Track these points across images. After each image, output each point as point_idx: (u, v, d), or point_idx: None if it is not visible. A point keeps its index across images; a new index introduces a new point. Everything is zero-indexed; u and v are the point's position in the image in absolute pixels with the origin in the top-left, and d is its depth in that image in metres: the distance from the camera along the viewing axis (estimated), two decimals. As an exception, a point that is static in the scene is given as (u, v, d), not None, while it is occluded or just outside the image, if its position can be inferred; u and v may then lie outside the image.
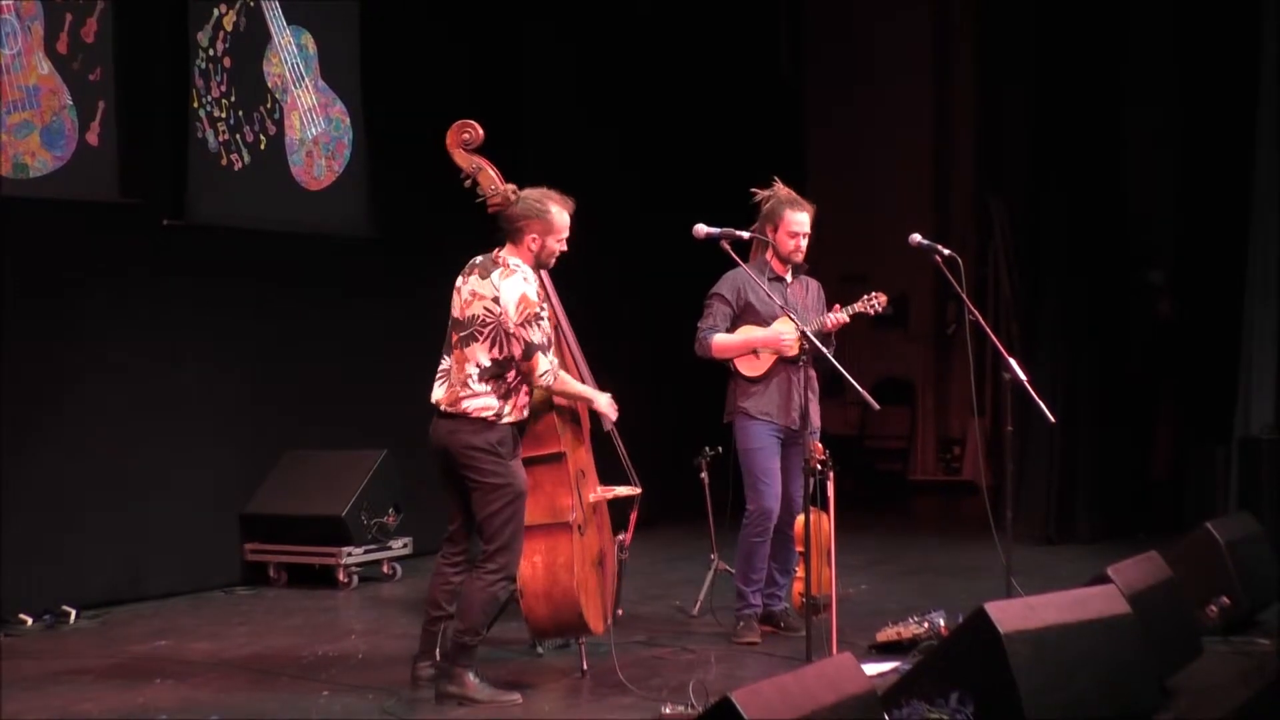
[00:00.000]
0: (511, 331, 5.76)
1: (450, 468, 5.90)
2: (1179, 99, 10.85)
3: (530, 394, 5.94)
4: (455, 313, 5.92)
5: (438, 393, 5.92)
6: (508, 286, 5.78)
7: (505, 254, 5.92)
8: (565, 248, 6.03)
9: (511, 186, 6.20)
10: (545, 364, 5.81)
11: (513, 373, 5.83)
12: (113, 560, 8.27)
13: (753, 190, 7.08)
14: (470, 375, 5.81)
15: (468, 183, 6.34)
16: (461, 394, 5.82)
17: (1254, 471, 9.37)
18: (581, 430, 6.39)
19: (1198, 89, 10.56)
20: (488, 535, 5.85)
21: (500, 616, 6.71)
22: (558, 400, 6.17)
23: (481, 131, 6.34)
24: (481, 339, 5.80)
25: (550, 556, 6.14)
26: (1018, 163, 11.02)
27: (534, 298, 5.79)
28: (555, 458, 6.18)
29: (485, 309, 5.80)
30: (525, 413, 5.93)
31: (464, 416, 5.81)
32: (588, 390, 6.27)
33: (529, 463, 6.09)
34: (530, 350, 5.77)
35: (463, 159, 6.35)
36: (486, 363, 5.80)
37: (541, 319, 5.81)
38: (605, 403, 6.28)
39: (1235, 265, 9.81)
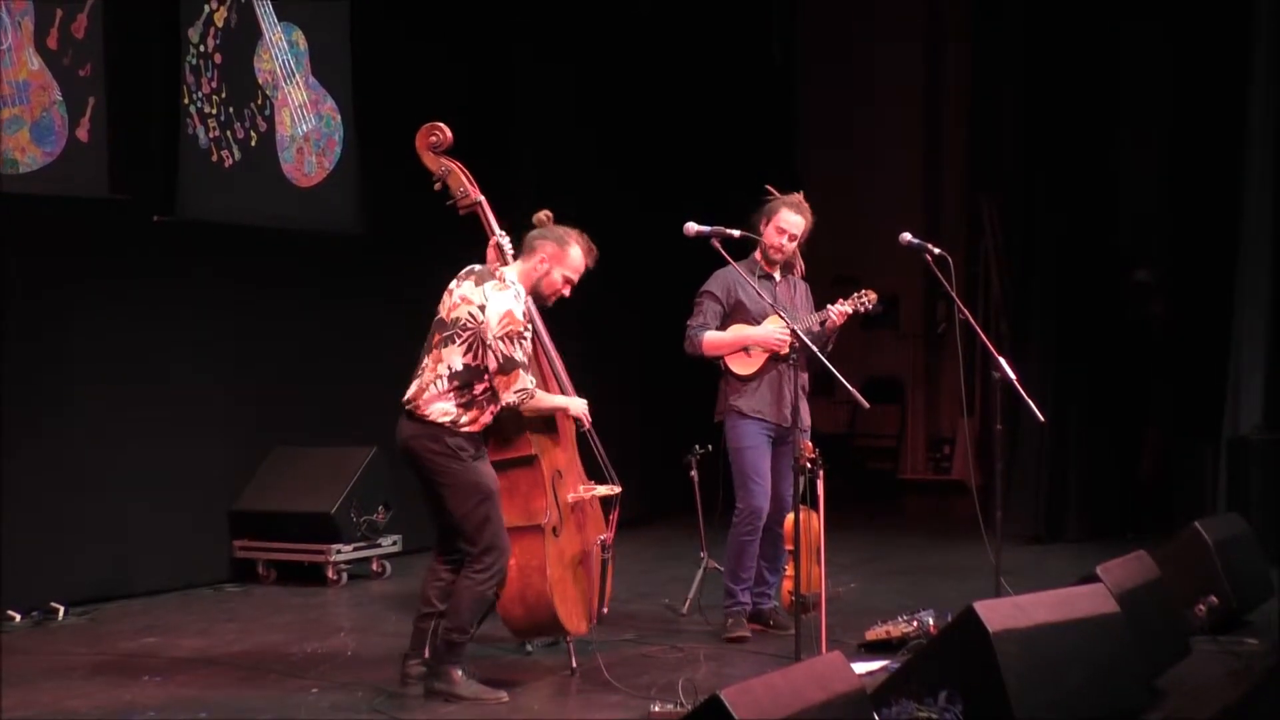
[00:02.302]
0: (489, 343, 5.76)
1: (419, 472, 5.91)
2: (1170, 99, 10.86)
3: (493, 413, 5.91)
4: (442, 313, 5.93)
5: (409, 391, 5.93)
6: (497, 298, 5.79)
7: (507, 269, 5.94)
8: (568, 291, 6.05)
9: (481, 200, 6.22)
10: (523, 382, 5.80)
11: (481, 386, 5.83)
12: (101, 557, 8.26)
13: (768, 187, 7.07)
14: (441, 376, 5.83)
15: (437, 186, 6.32)
16: (427, 395, 5.83)
17: (1242, 471, 9.38)
18: (558, 432, 6.36)
19: (1188, 89, 10.57)
20: (468, 537, 5.86)
21: (488, 616, 6.73)
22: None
23: (450, 134, 6.29)
24: (459, 342, 5.81)
25: (524, 559, 6.14)
26: (1008, 162, 11.04)
27: (520, 316, 5.80)
28: (527, 460, 6.18)
29: (470, 314, 5.80)
30: (481, 428, 5.90)
31: (423, 420, 5.83)
32: (560, 400, 6.23)
33: (501, 465, 6.11)
34: (511, 365, 5.76)
35: (431, 161, 6.31)
36: (459, 366, 5.81)
37: (525, 339, 5.81)
38: (579, 408, 6.26)
39: (1225, 265, 9.82)
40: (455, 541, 5.99)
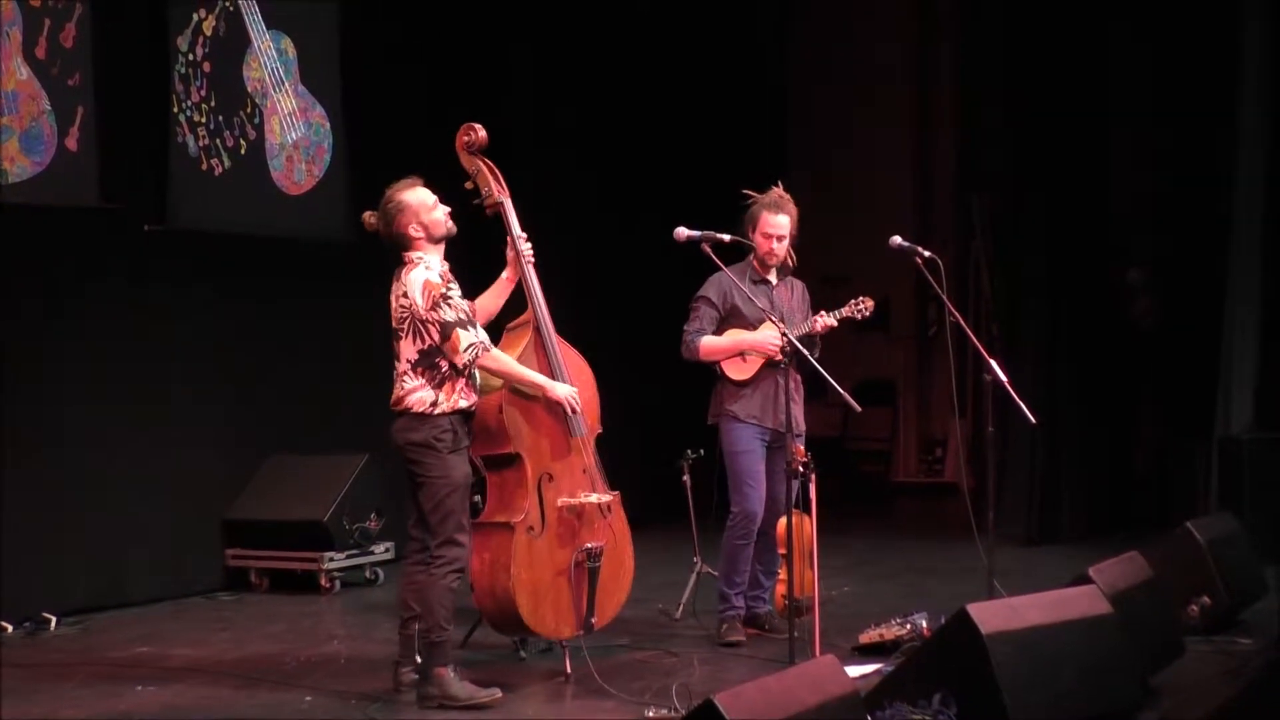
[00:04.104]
0: (424, 318, 5.86)
1: (404, 465, 6.01)
2: (1160, 100, 10.88)
3: (471, 380, 5.99)
4: (391, 321, 6.03)
5: (392, 396, 6.03)
6: (411, 278, 5.91)
7: (409, 254, 6.00)
8: (447, 212, 6.04)
9: (504, 200, 6.31)
10: (467, 339, 5.88)
11: (444, 360, 5.91)
12: (94, 566, 8.25)
13: (745, 192, 7.08)
14: (405, 372, 5.94)
15: (468, 184, 6.42)
16: (401, 391, 5.94)
17: (1234, 471, 9.38)
18: (549, 435, 6.34)
19: (1178, 90, 10.59)
20: (431, 528, 5.95)
21: (480, 624, 6.73)
22: (508, 401, 6.19)
23: (484, 134, 6.39)
24: (405, 334, 5.93)
25: (495, 554, 6.21)
26: (999, 163, 11.04)
27: (437, 280, 5.89)
28: (510, 459, 6.23)
29: (402, 306, 5.93)
30: (465, 400, 5.96)
31: (406, 413, 5.93)
32: (538, 376, 6.25)
33: (490, 462, 6.23)
34: (447, 329, 5.86)
35: (466, 160, 6.44)
36: (414, 356, 5.92)
37: (450, 297, 5.88)
38: (563, 392, 6.28)
39: (1216, 264, 9.83)
40: (420, 539, 6.06)
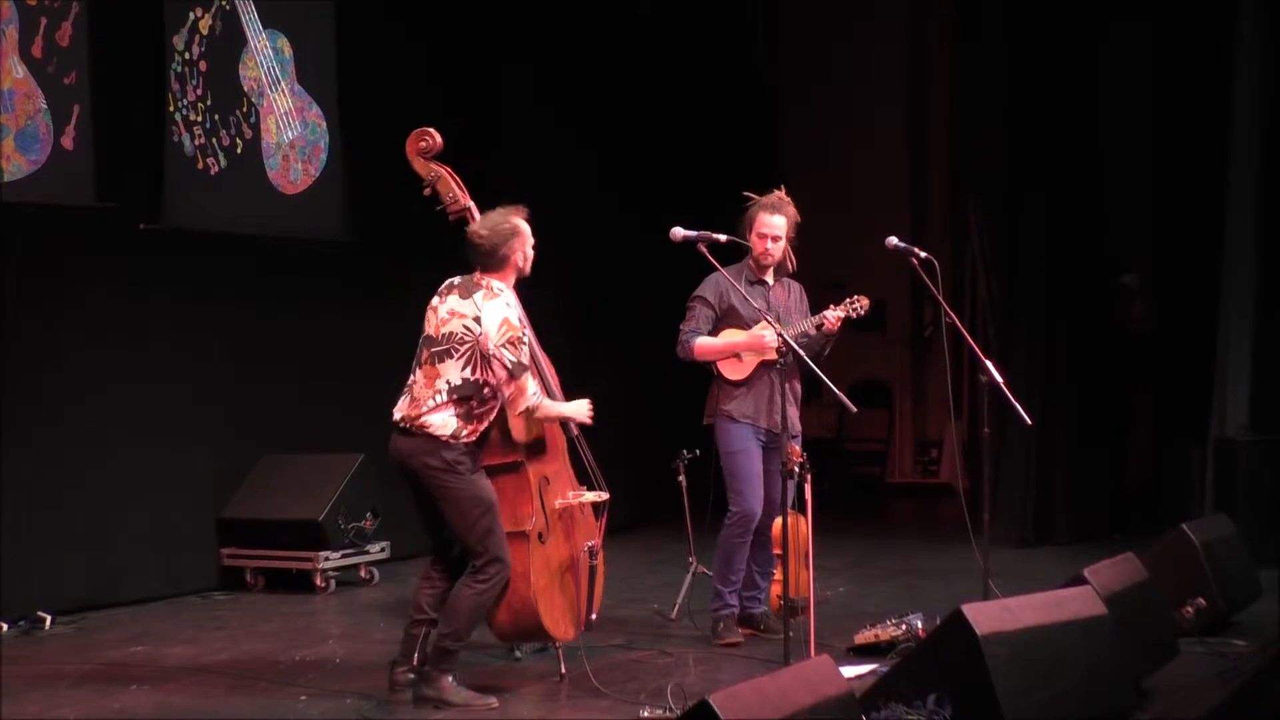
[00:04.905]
0: (491, 353, 5.76)
1: (416, 485, 5.91)
2: (1155, 101, 10.89)
3: (491, 420, 5.91)
4: (430, 330, 5.91)
5: (399, 408, 5.91)
6: (491, 308, 5.79)
7: (488, 278, 5.91)
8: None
9: (471, 206, 6.19)
10: (534, 386, 5.89)
11: (480, 397, 5.82)
12: (89, 565, 8.24)
13: (746, 193, 7.07)
14: (439, 391, 5.80)
15: (427, 191, 6.33)
16: (422, 410, 5.81)
17: (1229, 473, 9.40)
18: (545, 439, 6.36)
19: (1174, 91, 10.60)
20: (471, 549, 5.86)
21: (477, 624, 6.73)
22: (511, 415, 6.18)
23: (440, 139, 6.32)
24: (456, 356, 5.80)
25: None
26: (994, 164, 11.04)
27: (516, 322, 5.83)
28: (513, 467, 6.20)
29: (465, 327, 5.80)
30: (478, 437, 5.89)
31: (420, 435, 5.81)
32: (567, 408, 6.24)
33: (488, 471, 6.10)
34: (520, 369, 5.80)
35: (421, 167, 6.33)
36: (458, 381, 5.79)
37: (524, 343, 5.85)
38: (585, 410, 6.26)
39: (1211, 267, 9.84)
40: (450, 550, 6.01)
